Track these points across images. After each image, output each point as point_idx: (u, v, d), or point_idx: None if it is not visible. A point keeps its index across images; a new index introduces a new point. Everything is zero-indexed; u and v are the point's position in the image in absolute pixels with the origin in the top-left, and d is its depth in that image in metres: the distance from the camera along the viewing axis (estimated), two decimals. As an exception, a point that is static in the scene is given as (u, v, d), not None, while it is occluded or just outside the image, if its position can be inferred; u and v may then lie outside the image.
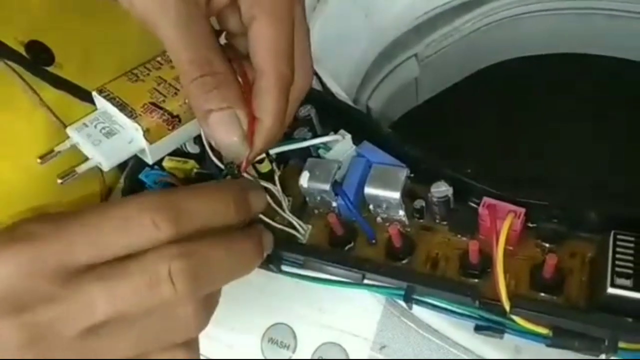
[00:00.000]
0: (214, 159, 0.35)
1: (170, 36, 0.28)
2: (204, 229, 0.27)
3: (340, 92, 0.44)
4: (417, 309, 0.35)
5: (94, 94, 0.35)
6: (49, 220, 0.25)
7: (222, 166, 0.35)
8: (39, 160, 0.35)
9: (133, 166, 0.40)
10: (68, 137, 0.37)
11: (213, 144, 0.30)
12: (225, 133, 0.28)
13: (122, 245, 0.25)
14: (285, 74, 0.29)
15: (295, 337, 0.37)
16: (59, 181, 0.34)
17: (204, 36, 0.28)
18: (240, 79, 0.29)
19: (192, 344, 0.27)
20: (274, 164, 0.37)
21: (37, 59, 0.39)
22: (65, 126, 0.39)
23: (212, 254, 0.26)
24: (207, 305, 0.27)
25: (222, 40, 0.32)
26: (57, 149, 0.35)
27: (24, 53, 0.38)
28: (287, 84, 0.29)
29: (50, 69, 0.40)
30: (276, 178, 0.37)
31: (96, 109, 0.36)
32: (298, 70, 0.30)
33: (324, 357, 0.36)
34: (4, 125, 0.38)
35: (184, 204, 0.26)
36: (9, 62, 0.37)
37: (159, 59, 0.35)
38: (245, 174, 0.32)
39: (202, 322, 0.27)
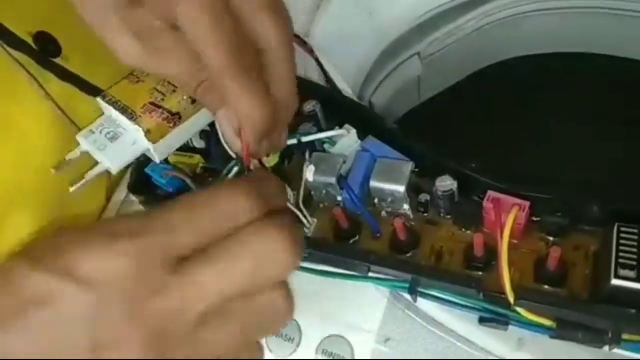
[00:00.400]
0: (226, 146, 0.35)
1: (159, 73, 0.32)
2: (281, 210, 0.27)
3: (345, 87, 0.44)
4: (421, 302, 0.35)
5: (98, 99, 0.36)
6: (144, 215, 0.25)
7: (234, 155, 0.35)
8: (52, 171, 0.36)
9: (140, 160, 0.40)
10: (74, 131, 0.38)
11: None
12: (222, 130, 0.31)
13: (220, 228, 0.25)
14: (227, 62, 0.28)
15: (299, 330, 0.37)
16: (71, 189, 0.35)
17: (178, 56, 0.30)
18: None
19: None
20: (307, 154, 0.38)
21: (44, 50, 0.39)
22: (69, 119, 0.39)
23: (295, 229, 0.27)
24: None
25: None
26: (67, 157, 0.36)
27: (32, 44, 0.38)
28: (238, 70, 0.28)
29: (56, 60, 0.40)
30: (309, 170, 0.37)
31: (99, 105, 0.37)
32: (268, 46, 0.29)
33: (328, 350, 0.36)
34: (9, 117, 0.38)
35: (268, 188, 0.27)
36: (15, 54, 0.37)
37: None
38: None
39: (293, 305, 0.27)
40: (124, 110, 0.34)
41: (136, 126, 0.34)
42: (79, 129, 0.39)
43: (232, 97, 0.29)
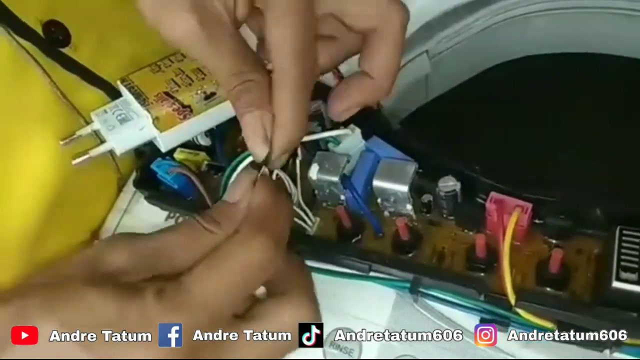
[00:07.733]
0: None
1: (204, 59, 0.31)
2: None
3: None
4: (429, 297, 0.35)
5: (118, 82, 0.36)
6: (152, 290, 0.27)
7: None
8: (61, 142, 0.36)
9: (146, 157, 0.41)
10: (81, 120, 0.39)
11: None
12: (250, 133, 0.30)
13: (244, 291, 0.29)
14: (295, 71, 0.29)
15: (308, 323, 0.37)
16: (73, 162, 0.35)
17: (233, 51, 0.30)
18: None
19: None
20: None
21: (53, 40, 0.38)
22: (75, 109, 0.39)
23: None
24: None
25: None
26: (78, 132, 0.36)
27: (41, 32, 0.38)
28: (298, 81, 0.29)
29: (65, 50, 0.39)
30: (297, 164, 0.37)
31: (104, 94, 0.40)
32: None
33: (336, 343, 0.36)
34: (17, 107, 0.37)
35: (281, 227, 0.31)
36: (23, 42, 0.37)
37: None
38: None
39: None
40: (138, 95, 0.35)
41: (145, 112, 0.35)
42: (83, 118, 0.40)
43: (282, 104, 0.30)
